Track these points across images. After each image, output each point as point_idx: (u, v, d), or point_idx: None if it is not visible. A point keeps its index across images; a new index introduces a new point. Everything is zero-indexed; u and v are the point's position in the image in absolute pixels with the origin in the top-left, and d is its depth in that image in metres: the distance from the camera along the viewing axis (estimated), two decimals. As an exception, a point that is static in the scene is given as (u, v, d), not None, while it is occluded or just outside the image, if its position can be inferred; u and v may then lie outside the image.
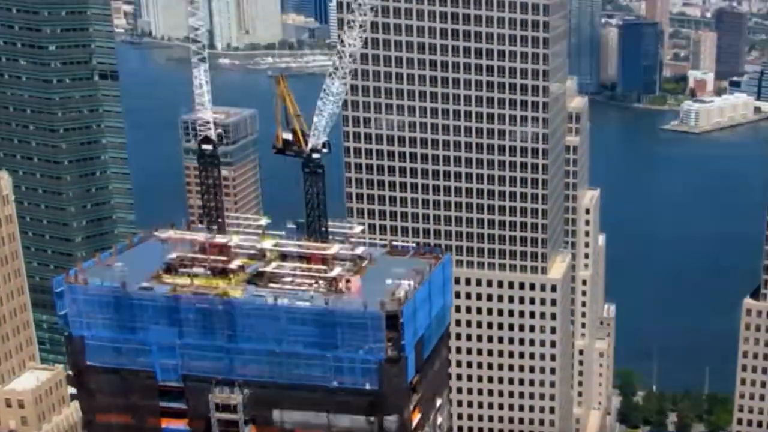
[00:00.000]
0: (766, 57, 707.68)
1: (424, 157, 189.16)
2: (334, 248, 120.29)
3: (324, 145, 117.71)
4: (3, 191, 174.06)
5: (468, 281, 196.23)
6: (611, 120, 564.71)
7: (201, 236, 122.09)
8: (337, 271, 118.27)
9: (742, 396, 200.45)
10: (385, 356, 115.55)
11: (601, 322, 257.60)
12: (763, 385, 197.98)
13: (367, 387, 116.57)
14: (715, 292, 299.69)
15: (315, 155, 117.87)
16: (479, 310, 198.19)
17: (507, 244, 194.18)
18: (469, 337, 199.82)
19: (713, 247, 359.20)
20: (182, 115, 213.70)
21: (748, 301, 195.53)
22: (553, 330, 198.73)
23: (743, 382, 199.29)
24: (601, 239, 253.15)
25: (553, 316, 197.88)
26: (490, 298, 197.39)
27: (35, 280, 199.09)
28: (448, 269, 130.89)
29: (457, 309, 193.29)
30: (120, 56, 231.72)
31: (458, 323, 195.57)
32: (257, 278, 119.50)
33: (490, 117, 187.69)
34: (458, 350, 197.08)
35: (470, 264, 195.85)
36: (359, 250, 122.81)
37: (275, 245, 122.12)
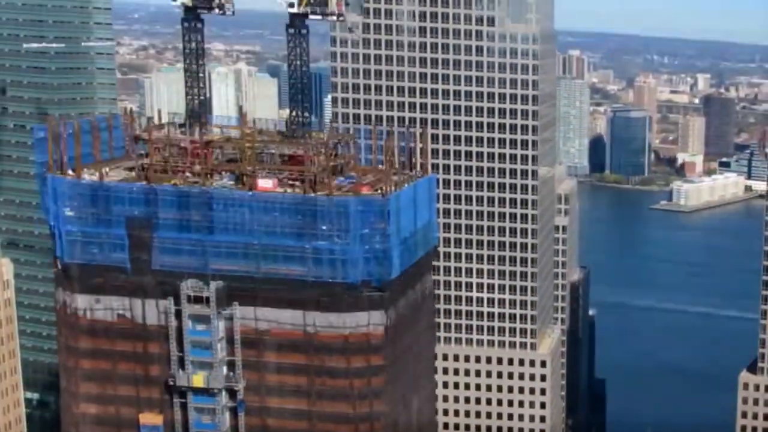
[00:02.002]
0: (755, 139, 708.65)
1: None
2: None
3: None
4: (4, 276, 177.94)
5: (456, 357, 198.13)
6: (601, 201, 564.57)
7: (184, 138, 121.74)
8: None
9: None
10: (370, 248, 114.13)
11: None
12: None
13: (349, 280, 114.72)
14: (709, 367, 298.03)
15: (291, 9, 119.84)
16: (467, 386, 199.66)
17: (496, 320, 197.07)
18: (456, 413, 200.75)
19: (706, 322, 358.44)
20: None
21: (744, 375, 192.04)
22: (542, 405, 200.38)
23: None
24: (591, 315, 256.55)
25: (543, 392, 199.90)
26: (478, 374, 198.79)
27: (29, 360, 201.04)
28: (434, 186, 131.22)
29: (445, 385, 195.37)
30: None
31: (446, 398, 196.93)
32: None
33: (480, 199, 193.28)
34: (446, 426, 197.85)
35: (458, 341, 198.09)
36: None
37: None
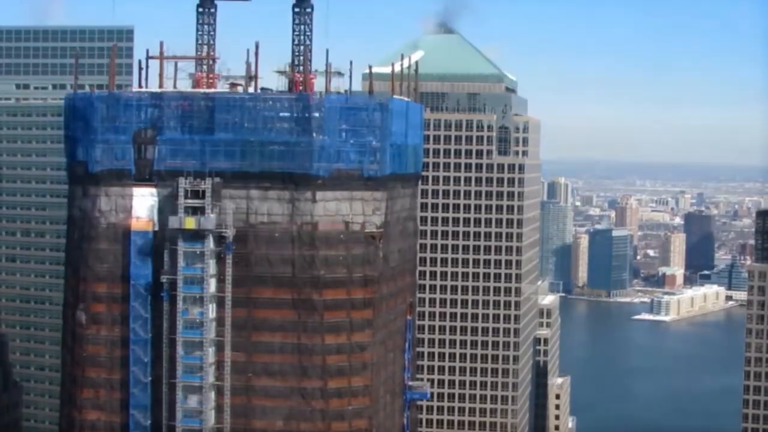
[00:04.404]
0: (735, 252, 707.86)
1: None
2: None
3: None
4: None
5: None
6: (583, 314, 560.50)
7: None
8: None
9: None
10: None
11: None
12: None
13: (342, 168, 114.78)
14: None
15: None
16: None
17: (477, 429, 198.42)
18: None
19: (686, 428, 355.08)
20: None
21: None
22: None
23: None
24: (571, 422, 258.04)
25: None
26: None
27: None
28: (422, 115, 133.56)
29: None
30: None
31: None
32: None
33: (464, 316, 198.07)
34: None
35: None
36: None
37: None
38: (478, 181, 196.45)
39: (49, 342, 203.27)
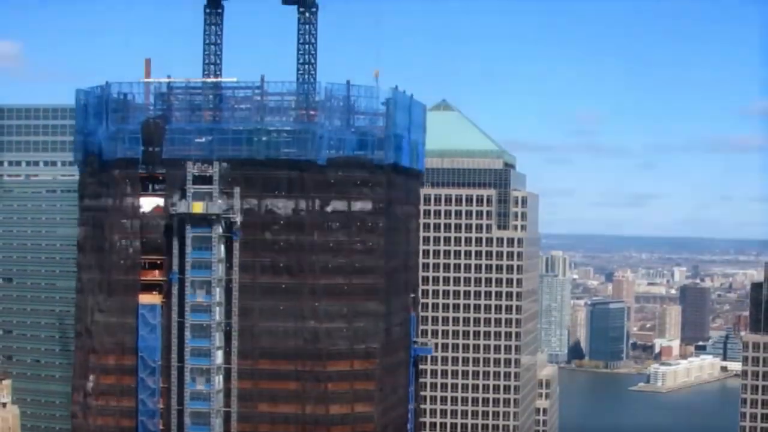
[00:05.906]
0: (730, 324, 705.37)
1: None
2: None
3: None
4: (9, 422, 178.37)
5: None
6: (581, 385, 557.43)
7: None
8: None
9: None
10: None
11: None
12: None
13: (345, 154, 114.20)
14: None
15: None
16: None
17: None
18: None
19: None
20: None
21: None
22: None
23: None
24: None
25: None
26: None
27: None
28: (425, 115, 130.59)
29: None
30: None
31: None
32: None
33: (464, 387, 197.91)
34: None
35: None
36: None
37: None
38: (478, 254, 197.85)
39: (58, 413, 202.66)
